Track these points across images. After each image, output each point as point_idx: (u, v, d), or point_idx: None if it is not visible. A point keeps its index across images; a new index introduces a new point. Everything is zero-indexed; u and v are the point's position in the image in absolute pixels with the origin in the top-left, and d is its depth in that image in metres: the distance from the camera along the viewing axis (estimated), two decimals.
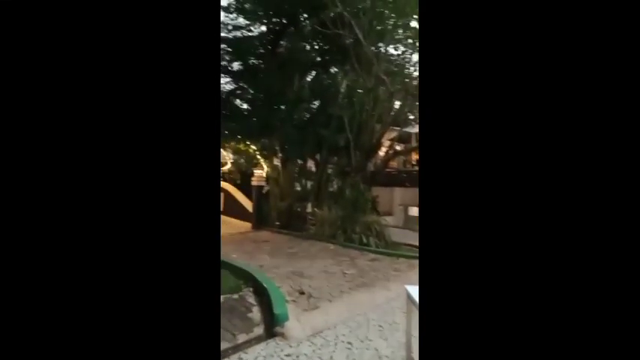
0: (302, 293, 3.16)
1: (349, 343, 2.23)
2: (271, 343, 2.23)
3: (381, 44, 7.01)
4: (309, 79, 7.65)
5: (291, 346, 2.17)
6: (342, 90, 6.57)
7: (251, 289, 3.24)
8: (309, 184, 7.70)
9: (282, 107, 7.07)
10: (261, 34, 7.48)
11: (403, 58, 7.28)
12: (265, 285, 3.09)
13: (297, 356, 2.06)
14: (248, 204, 8.09)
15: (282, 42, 7.46)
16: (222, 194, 9.38)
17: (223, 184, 9.53)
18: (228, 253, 4.73)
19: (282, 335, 2.32)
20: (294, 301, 2.98)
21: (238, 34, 7.39)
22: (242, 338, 2.30)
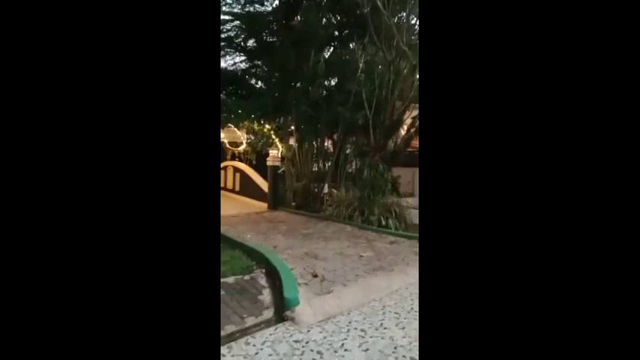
0: (315, 276, 3.04)
1: (362, 330, 2.08)
2: (280, 327, 2.12)
3: (402, 14, 6.54)
4: (326, 55, 7.30)
5: (301, 332, 2.06)
6: (361, 65, 6.22)
7: (263, 270, 3.16)
8: (326, 164, 7.52)
9: (298, 85, 6.80)
10: (275, 8, 7.14)
11: None
12: (277, 267, 2.99)
13: (307, 342, 1.94)
14: (264, 184, 8.04)
15: (297, 16, 7.09)
16: (238, 174, 9.43)
17: (239, 165, 9.55)
18: (243, 233, 4.68)
19: (293, 320, 2.21)
20: (306, 284, 2.86)
21: (252, 9, 7.09)
22: (250, 321, 2.21)
